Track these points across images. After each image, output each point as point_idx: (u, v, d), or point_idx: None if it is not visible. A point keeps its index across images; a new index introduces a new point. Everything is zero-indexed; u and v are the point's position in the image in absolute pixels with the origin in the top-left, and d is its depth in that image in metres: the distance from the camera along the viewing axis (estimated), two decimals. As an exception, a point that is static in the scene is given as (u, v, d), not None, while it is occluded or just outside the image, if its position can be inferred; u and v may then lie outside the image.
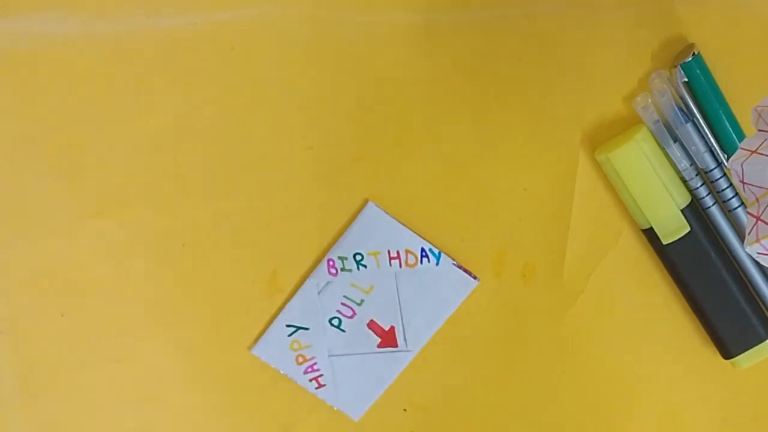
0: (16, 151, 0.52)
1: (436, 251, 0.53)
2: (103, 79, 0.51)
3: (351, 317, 0.53)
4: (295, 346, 0.53)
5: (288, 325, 0.53)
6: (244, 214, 0.52)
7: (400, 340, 0.53)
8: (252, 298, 0.53)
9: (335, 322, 0.53)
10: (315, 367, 0.53)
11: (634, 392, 0.55)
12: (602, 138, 0.52)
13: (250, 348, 0.53)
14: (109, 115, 0.52)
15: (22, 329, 0.53)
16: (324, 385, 0.54)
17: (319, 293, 0.53)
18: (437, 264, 0.53)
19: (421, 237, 0.52)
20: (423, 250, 0.53)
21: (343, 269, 0.52)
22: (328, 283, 0.53)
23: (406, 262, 0.53)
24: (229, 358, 0.53)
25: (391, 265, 0.53)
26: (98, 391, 0.53)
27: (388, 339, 0.53)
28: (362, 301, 0.53)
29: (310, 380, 0.54)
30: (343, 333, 0.53)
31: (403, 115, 0.52)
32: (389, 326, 0.53)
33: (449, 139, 0.52)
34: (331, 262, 0.52)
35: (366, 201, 0.52)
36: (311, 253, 0.53)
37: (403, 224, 0.52)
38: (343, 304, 0.53)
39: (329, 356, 0.53)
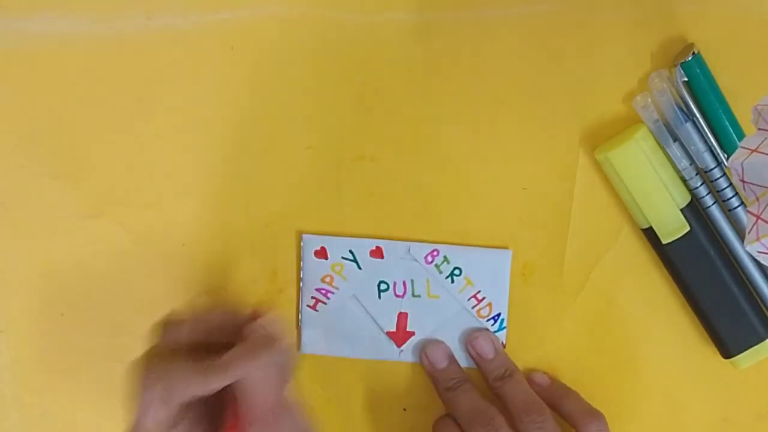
0: (16, 151, 0.52)
1: (504, 323, 0.54)
2: (103, 79, 0.51)
3: (402, 295, 0.53)
4: None
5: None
6: (244, 214, 0.53)
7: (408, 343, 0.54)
8: (253, 297, 0.53)
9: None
10: None
11: (634, 391, 0.55)
12: (602, 138, 0.52)
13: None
14: (109, 115, 0.52)
15: (22, 329, 0.53)
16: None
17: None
18: (496, 331, 0.54)
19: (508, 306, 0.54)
20: (498, 314, 0.54)
21: (437, 265, 0.53)
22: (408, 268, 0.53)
23: (479, 311, 0.53)
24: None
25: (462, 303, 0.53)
26: (98, 391, 0.53)
27: (402, 335, 0.54)
28: (419, 296, 0.54)
29: None
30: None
31: (403, 114, 0.52)
32: (411, 329, 0.54)
33: (449, 138, 0.53)
34: (435, 252, 0.53)
35: (508, 247, 0.53)
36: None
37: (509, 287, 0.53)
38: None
39: None
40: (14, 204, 0.52)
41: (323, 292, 0.53)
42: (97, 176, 0.52)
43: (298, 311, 0.54)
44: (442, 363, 0.53)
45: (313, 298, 0.53)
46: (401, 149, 0.52)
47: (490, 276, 0.53)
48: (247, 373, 0.43)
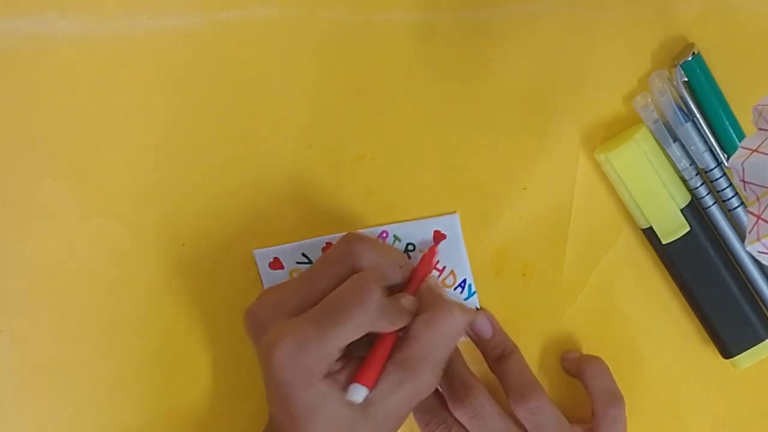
0: (17, 151, 0.52)
1: (473, 288, 0.53)
2: (103, 79, 0.51)
3: None
4: None
5: None
6: (245, 214, 0.53)
7: None
8: (253, 297, 0.53)
9: None
10: None
11: (634, 391, 0.55)
12: (602, 138, 0.52)
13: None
14: (110, 115, 0.52)
15: (21, 328, 0.53)
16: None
17: None
18: (466, 299, 0.53)
19: (471, 269, 0.53)
20: (464, 280, 0.53)
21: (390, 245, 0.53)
22: None
23: (443, 281, 0.53)
24: (229, 357, 0.53)
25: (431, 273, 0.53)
26: (98, 390, 0.53)
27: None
28: None
29: None
30: None
31: (403, 115, 0.52)
32: None
33: (449, 138, 0.53)
34: (384, 234, 0.52)
35: (454, 211, 0.53)
36: (311, 253, 0.53)
37: (466, 250, 0.53)
38: None
39: None
40: (14, 204, 0.52)
41: None
42: (97, 176, 0.52)
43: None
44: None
45: None
46: (401, 149, 0.53)
47: (444, 244, 0.53)
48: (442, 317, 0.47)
